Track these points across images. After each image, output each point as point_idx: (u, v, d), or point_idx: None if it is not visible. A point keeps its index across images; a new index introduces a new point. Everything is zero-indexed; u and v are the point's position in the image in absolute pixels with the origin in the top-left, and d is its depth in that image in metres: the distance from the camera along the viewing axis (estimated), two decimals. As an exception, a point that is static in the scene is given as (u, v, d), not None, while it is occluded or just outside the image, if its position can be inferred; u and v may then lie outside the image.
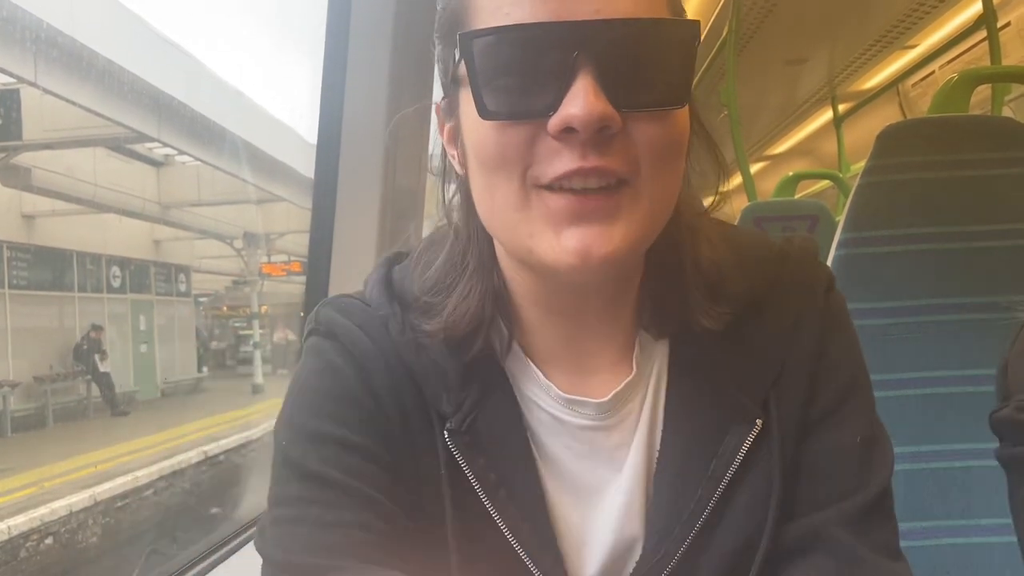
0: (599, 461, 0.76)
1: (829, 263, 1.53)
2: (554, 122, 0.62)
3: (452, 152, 0.75)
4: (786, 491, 0.74)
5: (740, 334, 0.75)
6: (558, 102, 0.61)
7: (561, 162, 0.63)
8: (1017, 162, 1.47)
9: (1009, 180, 1.46)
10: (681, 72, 0.65)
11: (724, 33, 4.71)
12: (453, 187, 0.78)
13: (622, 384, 0.76)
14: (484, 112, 0.64)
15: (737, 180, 4.16)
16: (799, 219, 3.38)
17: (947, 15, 5.08)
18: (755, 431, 0.73)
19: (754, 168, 9.23)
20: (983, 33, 4.03)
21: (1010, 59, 4.77)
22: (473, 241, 0.76)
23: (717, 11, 4.88)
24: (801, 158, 9.32)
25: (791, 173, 4.02)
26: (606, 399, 0.76)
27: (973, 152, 1.48)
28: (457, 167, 0.75)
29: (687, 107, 0.67)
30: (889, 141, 1.52)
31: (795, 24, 4.94)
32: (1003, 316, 1.32)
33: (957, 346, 1.44)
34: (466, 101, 0.67)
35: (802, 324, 0.77)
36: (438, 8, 0.72)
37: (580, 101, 0.60)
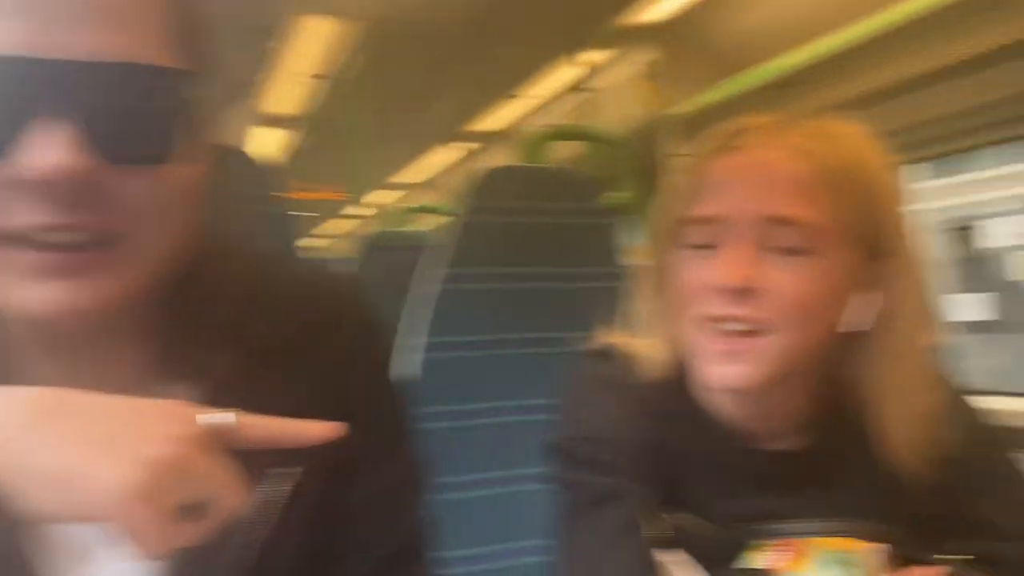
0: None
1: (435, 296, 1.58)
2: (10, 171, 0.54)
3: None
4: (317, 539, 0.71)
5: (260, 378, 0.70)
6: (16, 147, 0.54)
7: (20, 214, 0.55)
8: (576, 213, 1.65)
9: (569, 228, 1.64)
10: (167, 126, 0.59)
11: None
12: None
13: None
14: None
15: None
16: (419, 250, 3.52)
17: (550, 75, 5.66)
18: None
19: (390, 195, 9.47)
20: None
21: (608, 116, 5.40)
22: None
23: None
24: (434, 191, 9.72)
25: (414, 205, 4.21)
26: None
27: (540, 200, 1.63)
28: None
29: (181, 162, 0.61)
30: (478, 184, 1.62)
31: (417, 65, 5.16)
32: (557, 351, 1.47)
33: (521, 378, 1.57)
34: None
35: (323, 366, 0.74)
36: None
37: (46, 150, 0.53)
